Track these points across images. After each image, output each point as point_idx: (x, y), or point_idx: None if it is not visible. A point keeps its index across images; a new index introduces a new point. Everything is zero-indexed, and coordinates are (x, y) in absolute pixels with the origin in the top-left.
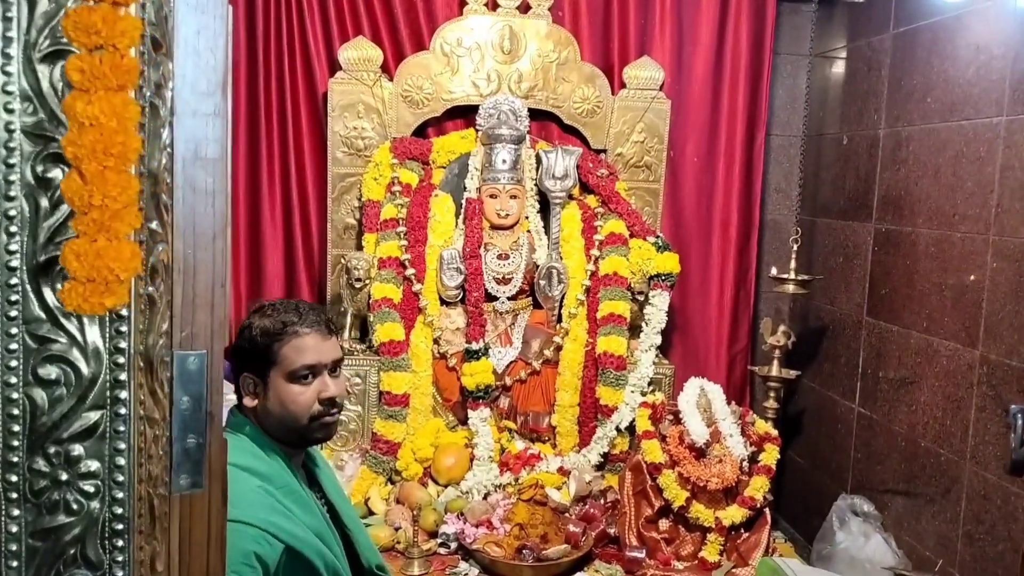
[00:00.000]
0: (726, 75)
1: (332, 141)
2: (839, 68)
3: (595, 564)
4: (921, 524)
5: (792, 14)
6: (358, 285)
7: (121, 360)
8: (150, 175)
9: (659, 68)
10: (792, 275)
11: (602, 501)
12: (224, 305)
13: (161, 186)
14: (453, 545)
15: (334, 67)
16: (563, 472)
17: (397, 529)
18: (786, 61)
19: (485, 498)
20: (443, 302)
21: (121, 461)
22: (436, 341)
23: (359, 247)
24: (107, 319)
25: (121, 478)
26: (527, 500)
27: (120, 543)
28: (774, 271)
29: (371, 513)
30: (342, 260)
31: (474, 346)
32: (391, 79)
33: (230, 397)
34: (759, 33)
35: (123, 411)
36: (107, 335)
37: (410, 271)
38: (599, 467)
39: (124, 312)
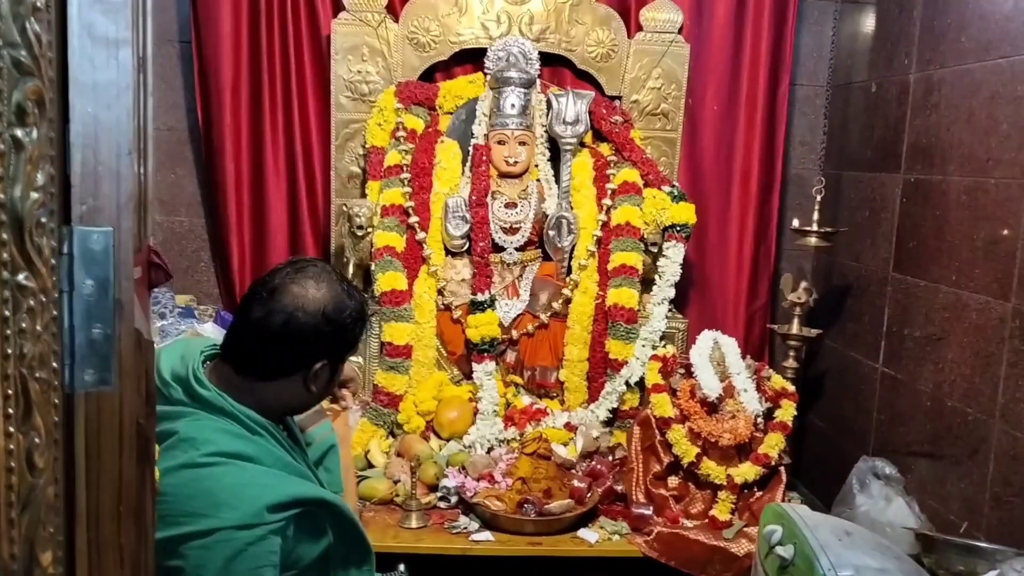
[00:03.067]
0: (749, 19)
1: (336, 86)
2: (868, 12)
3: (600, 520)
4: (946, 487)
5: None
6: (360, 233)
7: None
8: None
9: (678, 10)
10: (815, 227)
11: (610, 457)
12: (133, 178)
13: (27, 8)
14: (453, 499)
15: (337, 7)
16: (570, 428)
17: (396, 482)
18: (812, 7)
19: (488, 452)
20: (448, 252)
21: None
22: (440, 292)
23: (363, 196)
24: None
25: None
26: (530, 454)
27: None
28: (796, 223)
29: (371, 466)
30: (344, 208)
31: (480, 298)
32: (397, 20)
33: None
34: None
35: None
36: None
37: (413, 219)
38: (608, 423)
39: None
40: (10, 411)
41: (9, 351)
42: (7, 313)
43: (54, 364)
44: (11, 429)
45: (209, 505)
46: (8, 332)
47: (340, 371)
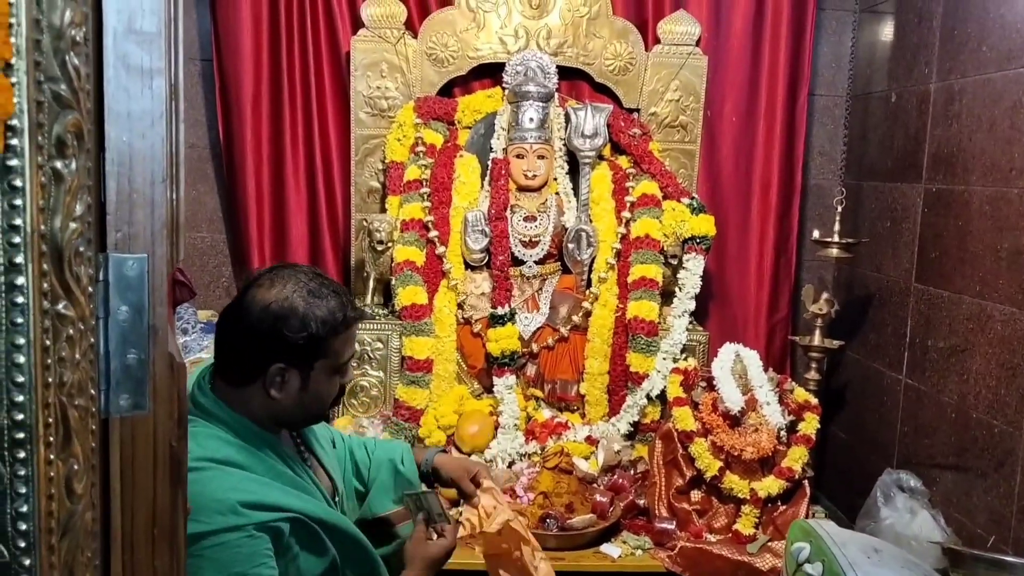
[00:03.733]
0: (767, 30)
1: (355, 101)
2: (887, 22)
3: (623, 535)
4: (972, 500)
5: None
6: (380, 248)
7: (16, 240)
8: (50, 27)
9: (696, 23)
10: (836, 238)
11: (631, 471)
12: (166, 204)
13: (67, 43)
14: None
15: (357, 24)
16: (591, 441)
17: None
18: (831, 17)
19: (510, 467)
20: (468, 266)
21: (20, 359)
22: (460, 306)
23: (383, 211)
24: None
25: (21, 379)
26: (552, 468)
27: (22, 454)
28: (816, 234)
29: None
30: (364, 223)
31: (500, 311)
32: (415, 36)
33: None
34: None
35: (20, 300)
36: None
37: (433, 233)
38: (629, 437)
39: (17, 183)
40: (51, 439)
41: (50, 380)
42: (48, 342)
43: (91, 391)
44: (51, 456)
45: (195, 509)
46: (49, 361)
47: (313, 380)
